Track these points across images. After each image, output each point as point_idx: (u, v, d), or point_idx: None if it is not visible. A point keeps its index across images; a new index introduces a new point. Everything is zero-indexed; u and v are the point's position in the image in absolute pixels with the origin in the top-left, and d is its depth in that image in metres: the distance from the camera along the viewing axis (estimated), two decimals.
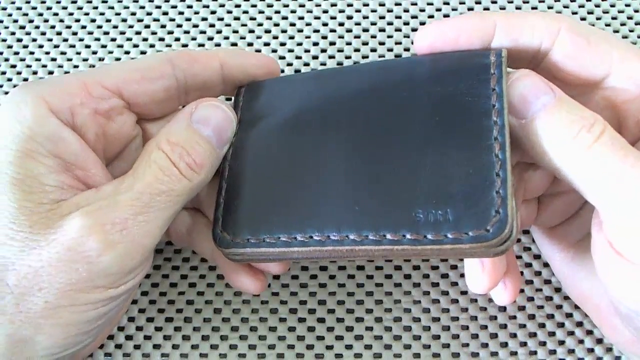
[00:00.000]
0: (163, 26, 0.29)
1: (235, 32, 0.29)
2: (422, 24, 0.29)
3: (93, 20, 0.30)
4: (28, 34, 0.29)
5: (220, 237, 0.20)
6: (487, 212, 0.16)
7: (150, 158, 0.19)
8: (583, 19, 0.29)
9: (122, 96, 0.20)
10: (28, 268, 0.17)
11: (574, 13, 0.29)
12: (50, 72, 0.28)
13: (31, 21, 0.30)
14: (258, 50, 0.29)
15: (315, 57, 0.28)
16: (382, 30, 0.29)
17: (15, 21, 0.30)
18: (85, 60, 0.29)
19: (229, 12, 0.30)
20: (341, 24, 0.29)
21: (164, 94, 0.21)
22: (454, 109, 0.18)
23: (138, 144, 0.22)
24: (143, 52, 0.29)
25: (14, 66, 0.29)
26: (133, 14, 0.30)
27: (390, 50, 0.28)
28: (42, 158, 0.18)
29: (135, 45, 0.29)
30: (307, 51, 0.28)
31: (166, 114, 0.22)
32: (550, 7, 0.29)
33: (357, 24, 0.29)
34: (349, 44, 0.29)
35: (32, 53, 0.29)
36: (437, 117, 0.18)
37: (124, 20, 0.30)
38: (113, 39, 0.29)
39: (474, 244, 0.16)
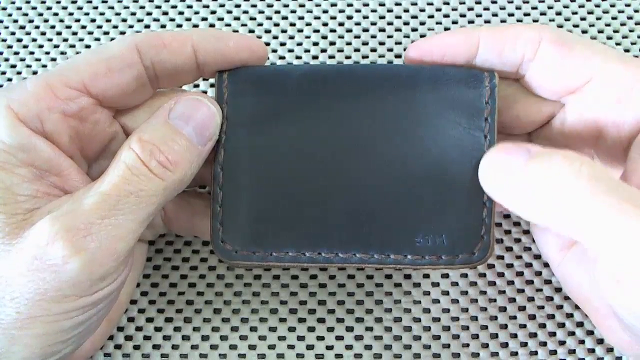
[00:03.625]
0: (163, 26, 0.29)
1: (235, 32, 0.29)
2: (422, 24, 0.29)
3: (93, 20, 0.30)
4: (28, 34, 0.29)
5: (221, 248, 0.20)
6: (476, 238, 0.19)
7: (120, 158, 0.18)
8: (583, 19, 0.29)
9: (91, 93, 0.19)
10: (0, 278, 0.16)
11: (574, 13, 0.29)
12: None
13: (31, 21, 0.30)
14: None
15: (315, 57, 0.28)
16: (382, 30, 0.29)
17: (15, 21, 0.30)
18: None
19: (229, 12, 0.30)
20: (341, 24, 0.29)
21: (135, 84, 0.20)
22: (449, 141, 0.20)
23: (120, 139, 0.21)
24: None
25: (14, 66, 0.29)
26: (133, 14, 0.30)
27: (390, 50, 0.28)
28: (15, 168, 0.18)
29: None
30: (307, 51, 0.28)
31: (144, 102, 0.21)
32: (550, 7, 0.29)
33: (357, 23, 0.29)
34: (349, 44, 0.29)
35: (32, 53, 0.29)
36: (435, 149, 0.20)
37: (124, 20, 0.30)
38: (113, 39, 0.29)
39: (463, 265, 0.19)
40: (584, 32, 0.28)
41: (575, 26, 0.29)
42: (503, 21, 0.29)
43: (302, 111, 0.20)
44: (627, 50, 0.28)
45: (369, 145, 0.20)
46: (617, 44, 0.28)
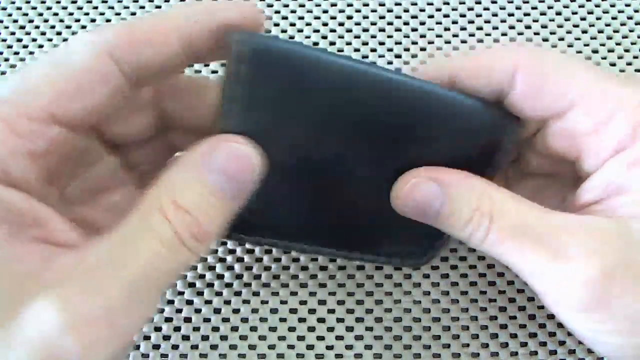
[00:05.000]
0: None
1: None
2: (422, 24, 0.29)
3: (93, 21, 0.30)
4: (28, 34, 0.29)
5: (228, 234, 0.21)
6: (429, 254, 0.23)
7: (149, 224, 0.15)
8: (583, 19, 0.29)
9: (60, 121, 0.15)
10: None
11: (574, 13, 0.29)
12: None
13: (31, 21, 0.30)
14: None
15: None
16: (382, 30, 0.29)
17: (15, 21, 0.30)
18: None
19: None
20: (341, 24, 0.29)
21: (114, 99, 0.16)
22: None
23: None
24: None
25: (13, 66, 0.29)
26: (133, 14, 0.30)
27: (390, 50, 0.28)
28: None
29: None
30: None
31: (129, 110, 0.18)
32: (550, 7, 0.29)
33: (357, 24, 0.29)
34: (349, 44, 0.29)
35: (32, 53, 0.29)
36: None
37: (124, 20, 0.30)
38: None
39: (410, 266, 0.24)
40: (584, 32, 0.28)
41: (576, 26, 0.29)
42: (503, 21, 0.29)
43: (319, 113, 0.18)
44: (627, 51, 0.28)
45: (373, 163, 0.19)
46: (617, 43, 0.28)
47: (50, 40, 0.29)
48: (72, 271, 0.14)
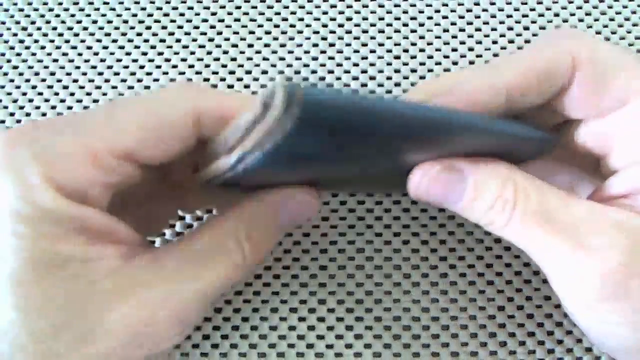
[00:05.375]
0: (164, 27, 0.30)
1: (236, 33, 0.29)
2: (422, 25, 0.29)
3: (95, 22, 0.30)
4: (30, 35, 0.30)
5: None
6: None
7: (227, 248, 0.18)
8: (581, 20, 0.29)
9: (133, 159, 0.17)
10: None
11: (572, 15, 0.29)
12: (52, 74, 0.29)
13: (33, 22, 0.30)
14: (258, 52, 0.29)
15: (315, 59, 0.28)
16: (381, 31, 0.29)
17: (18, 22, 0.30)
18: (87, 61, 0.29)
19: (230, 13, 0.30)
20: (341, 25, 0.29)
21: (184, 152, 0.18)
22: None
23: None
24: (144, 54, 0.29)
25: (15, 67, 0.29)
26: (134, 15, 0.30)
27: (389, 51, 0.28)
28: (71, 238, 0.16)
29: (137, 47, 0.29)
30: (307, 52, 0.29)
31: None
32: (548, 9, 0.29)
33: (357, 25, 0.29)
34: (348, 45, 0.29)
35: (34, 54, 0.29)
36: None
37: (126, 22, 0.30)
38: (115, 40, 0.29)
39: None
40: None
41: (573, 27, 0.29)
42: (501, 23, 0.29)
43: (365, 153, 0.17)
44: None
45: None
46: (615, 44, 0.28)
47: (52, 41, 0.29)
48: (152, 275, 0.17)
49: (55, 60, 0.29)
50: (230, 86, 0.28)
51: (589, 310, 0.18)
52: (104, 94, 0.28)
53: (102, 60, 0.29)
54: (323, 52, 0.29)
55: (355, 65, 0.28)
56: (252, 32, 0.29)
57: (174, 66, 0.29)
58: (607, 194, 0.19)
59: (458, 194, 0.18)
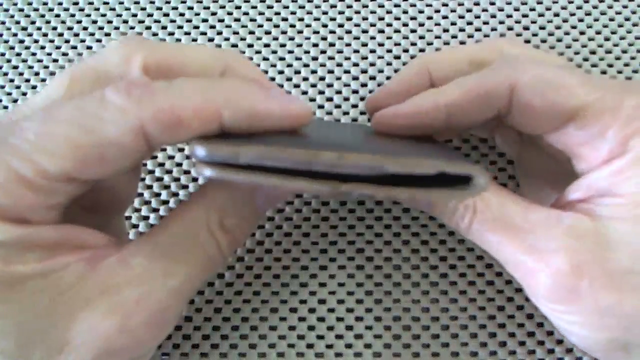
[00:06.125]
0: (164, 27, 0.30)
1: (236, 33, 0.29)
2: (422, 25, 0.29)
3: (94, 22, 0.30)
4: (30, 35, 0.30)
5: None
6: None
7: (198, 240, 0.17)
8: (581, 20, 0.29)
9: (76, 180, 0.15)
10: None
11: (572, 14, 0.29)
12: (52, 74, 0.29)
13: (33, 22, 0.30)
14: (258, 52, 0.29)
15: (315, 59, 0.28)
16: (381, 31, 0.29)
17: (18, 22, 0.30)
18: None
19: (230, 13, 0.30)
20: (340, 25, 0.29)
21: (133, 165, 0.16)
22: None
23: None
24: None
25: (16, 67, 0.29)
26: (134, 15, 0.30)
27: (389, 51, 0.28)
28: (22, 256, 0.15)
29: None
30: (307, 52, 0.29)
31: None
32: (548, 9, 0.29)
33: (357, 25, 0.29)
34: (348, 45, 0.29)
35: (34, 54, 0.29)
36: None
37: (126, 22, 0.30)
38: (114, 40, 0.29)
39: None
40: (582, 33, 0.29)
41: (573, 27, 0.29)
42: (501, 23, 0.29)
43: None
44: (624, 52, 0.28)
45: None
46: (615, 45, 0.28)
47: (52, 41, 0.29)
48: (122, 278, 0.16)
49: (55, 61, 0.29)
50: None
51: (548, 310, 0.19)
52: None
53: None
54: (323, 52, 0.29)
55: (355, 65, 0.28)
56: (252, 33, 0.29)
57: None
58: (567, 199, 0.20)
59: (427, 201, 0.20)
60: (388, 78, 0.28)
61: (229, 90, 0.16)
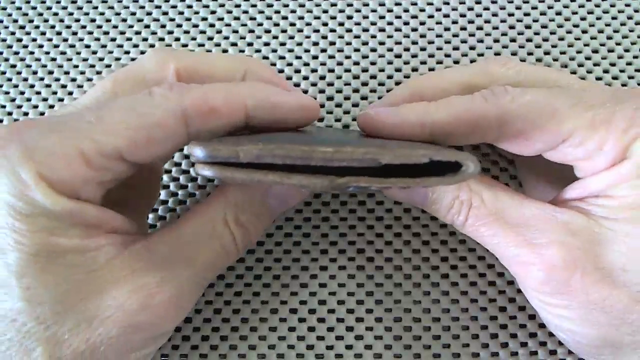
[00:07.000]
0: (163, 26, 0.29)
1: (236, 32, 0.29)
2: (422, 24, 0.29)
3: (93, 20, 0.30)
4: (28, 33, 0.29)
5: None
6: None
7: (216, 231, 0.19)
8: (583, 19, 0.29)
9: (124, 159, 0.17)
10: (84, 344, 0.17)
11: (574, 13, 0.29)
12: (50, 72, 0.28)
13: (31, 21, 0.30)
14: (258, 51, 0.29)
15: (315, 57, 0.28)
16: (382, 30, 0.29)
17: (15, 21, 0.30)
18: (85, 60, 0.29)
19: (229, 12, 0.30)
20: (341, 24, 0.29)
21: (175, 149, 0.18)
22: None
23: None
24: (143, 52, 0.29)
25: (14, 66, 0.29)
26: (133, 13, 0.30)
27: (390, 50, 0.28)
28: (67, 230, 0.17)
29: (135, 45, 0.29)
30: (307, 51, 0.28)
31: None
32: (550, 7, 0.29)
33: (357, 23, 0.29)
34: (348, 44, 0.29)
35: (32, 53, 0.29)
36: None
37: (124, 20, 0.30)
38: (113, 39, 0.29)
39: None
40: (584, 32, 0.28)
41: (576, 26, 0.29)
42: (503, 21, 0.29)
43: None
44: (627, 50, 0.28)
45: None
46: (618, 43, 0.28)
47: (50, 40, 0.29)
48: (146, 263, 0.18)
49: (54, 59, 0.29)
50: None
51: (541, 303, 0.19)
52: None
53: (101, 59, 0.29)
54: (323, 50, 0.28)
55: (356, 63, 0.28)
56: (251, 31, 0.29)
57: None
58: (563, 197, 0.20)
59: (422, 197, 0.20)
60: (389, 77, 0.28)
61: (251, 87, 0.19)
